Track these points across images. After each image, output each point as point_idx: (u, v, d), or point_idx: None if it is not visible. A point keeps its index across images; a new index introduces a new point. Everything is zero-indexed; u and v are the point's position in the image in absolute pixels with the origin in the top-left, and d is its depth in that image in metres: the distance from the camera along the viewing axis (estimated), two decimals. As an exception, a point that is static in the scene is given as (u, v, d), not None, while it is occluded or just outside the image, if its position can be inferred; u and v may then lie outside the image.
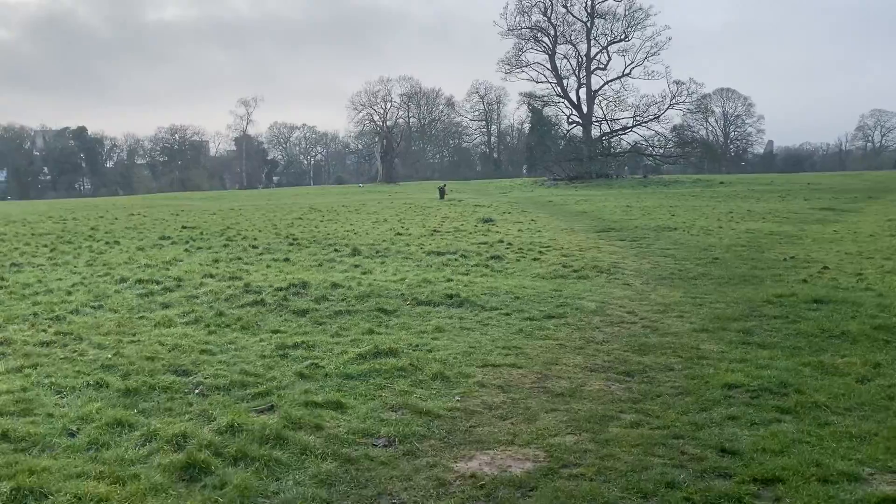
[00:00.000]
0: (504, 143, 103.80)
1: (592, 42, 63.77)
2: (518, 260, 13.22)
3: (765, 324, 7.69)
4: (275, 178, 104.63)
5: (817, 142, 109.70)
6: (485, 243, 15.68)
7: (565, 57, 64.72)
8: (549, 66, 64.52)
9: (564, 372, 6.13)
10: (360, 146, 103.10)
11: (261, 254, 14.50)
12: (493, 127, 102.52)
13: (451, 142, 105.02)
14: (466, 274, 11.55)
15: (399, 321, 8.07)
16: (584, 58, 63.91)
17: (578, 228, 19.96)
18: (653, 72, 61.54)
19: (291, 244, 16.17)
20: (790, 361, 6.25)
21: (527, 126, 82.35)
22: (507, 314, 8.35)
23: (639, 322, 7.98)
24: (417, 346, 6.92)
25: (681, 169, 77.83)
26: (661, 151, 66.53)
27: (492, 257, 13.41)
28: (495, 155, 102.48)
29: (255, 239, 17.38)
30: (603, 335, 7.41)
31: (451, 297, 9.16)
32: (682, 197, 34.69)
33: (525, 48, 64.91)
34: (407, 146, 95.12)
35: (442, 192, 39.32)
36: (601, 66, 63.89)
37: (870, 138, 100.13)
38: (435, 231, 18.94)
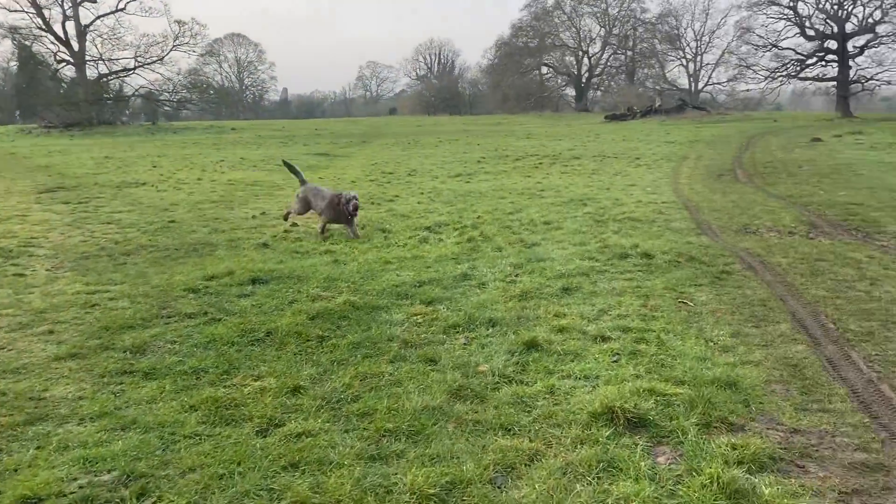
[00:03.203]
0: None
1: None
2: None
3: (171, 330, 5.29)
4: None
5: (326, 90, 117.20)
6: None
7: (44, -18, 54.08)
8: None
9: None
10: None
11: None
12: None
13: None
14: None
15: None
16: (67, -16, 54.37)
17: (19, 189, 15.29)
18: (150, 8, 55.89)
19: None
20: (170, 405, 3.92)
21: (14, 65, 67.68)
22: None
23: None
24: None
25: (198, 115, 74.12)
26: (173, 97, 61.59)
27: None
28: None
29: None
30: None
31: None
32: (182, 145, 31.36)
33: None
34: None
35: None
36: (89, -5, 55.26)
37: (368, 87, 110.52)
38: None
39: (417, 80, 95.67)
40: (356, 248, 8.40)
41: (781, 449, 3.36)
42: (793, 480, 3.10)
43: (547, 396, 4.02)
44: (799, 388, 4.10)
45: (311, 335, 5.07)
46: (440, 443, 3.48)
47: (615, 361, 4.51)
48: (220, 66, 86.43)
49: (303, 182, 9.98)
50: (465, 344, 4.95)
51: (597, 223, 9.94)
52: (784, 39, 52.58)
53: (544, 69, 76.26)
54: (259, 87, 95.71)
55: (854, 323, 5.18)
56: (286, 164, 10.57)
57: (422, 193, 13.97)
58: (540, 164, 20.82)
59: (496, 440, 3.48)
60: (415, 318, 5.51)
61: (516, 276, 6.75)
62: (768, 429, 3.57)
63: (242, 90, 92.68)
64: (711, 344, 4.83)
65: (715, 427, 3.55)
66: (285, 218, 10.32)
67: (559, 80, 77.25)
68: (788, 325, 5.17)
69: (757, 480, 3.06)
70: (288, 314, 5.51)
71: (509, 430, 3.61)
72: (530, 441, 3.47)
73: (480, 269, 7.01)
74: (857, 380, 4.18)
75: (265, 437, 3.59)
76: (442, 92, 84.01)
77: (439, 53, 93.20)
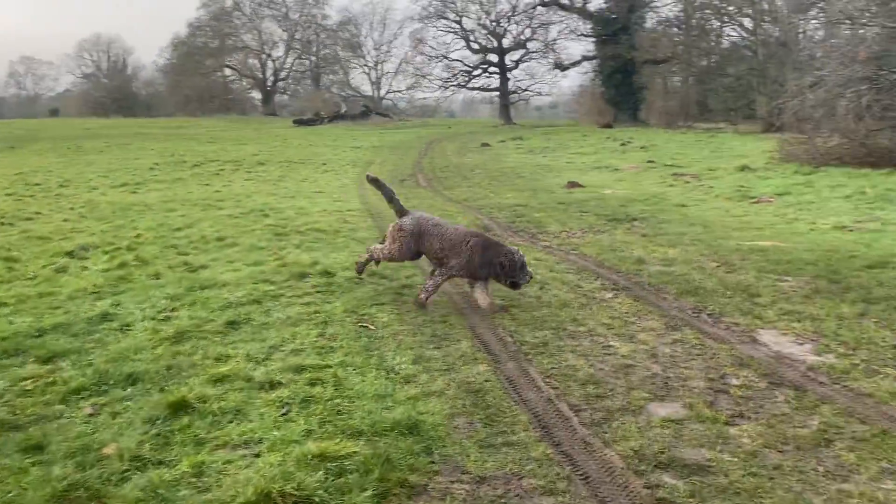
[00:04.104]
0: None
1: None
2: None
3: None
4: None
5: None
6: None
7: None
8: None
9: None
10: None
11: None
12: None
13: None
14: None
15: None
16: None
17: None
18: None
19: None
20: None
21: None
22: None
23: None
24: None
25: None
26: None
27: None
28: None
29: None
30: None
31: None
32: None
33: None
34: None
35: None
36: None
37: (23, 86, 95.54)
38: None
39: (84, 78, 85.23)
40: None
41: (467, 509, 2.92)
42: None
43: (192, 481, 3.12)
44: (483, 418, 3.76)
45: None
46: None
47: (284, 415, 3.77)
48: None
49: (402, 210, 6.28)
50: (91, 415, 3.80)
51: (277, 237, 9.14)
52: (453, 51, 57.05)
53: (228, 71, 73.11)
54: None
55: (529, 333, 5.11)
56: (374, 180, 6.51)
57: (72, 209, 11.85)
58: (221, 170, 19.39)
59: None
60: (23, 384, 4.17)
61: (172, 311, 5.65)
62: (453, 482, 3.12)
63: None
64: (393, 375, 4.34)
65: (394, 495, 2.98)
66: (360, 271, 6.66)
67: (244, 83, 74.71)
68: (469, 343, 4.92)
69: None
70: None
71: (132, 546, 2.66)
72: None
73: (127, 306, 5.76)
74: (538, 401, 3.99)
75: None
76: (113, 92, 75.87)
77: (108, 50, 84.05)
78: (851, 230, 9.30)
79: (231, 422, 3.70)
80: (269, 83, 72.28)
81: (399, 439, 3.45)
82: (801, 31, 34.59)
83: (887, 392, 3.94)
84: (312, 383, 4.18)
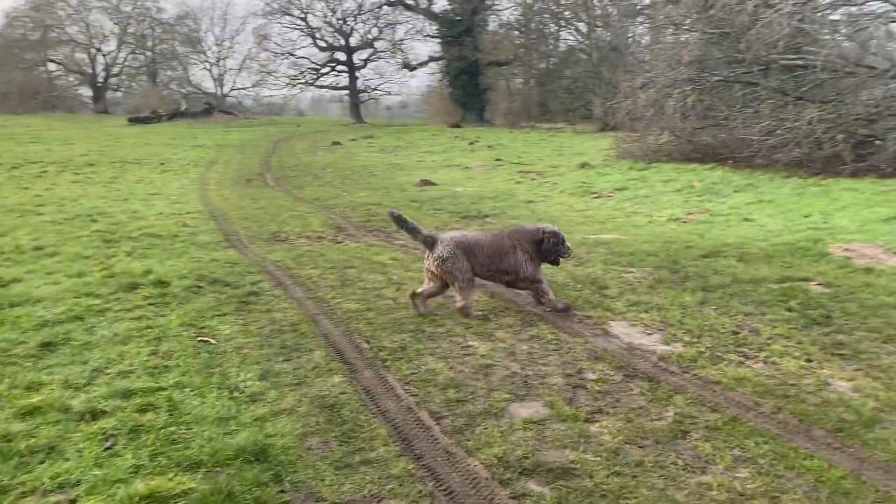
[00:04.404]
0: None
1: None
2: None
3: None
4: None
5: None
6: None
7: None
8: None
9: None
10: None
11: None
12: None
13: None
14: None
15: None
16: None
17: None
18: None
19: None
20: None
21: None
22: None
23: None
24: None
25: None
26: None
27: None
28: None
29: None
30: None
31: None
32: None
33: None
34: None
35: None
36: None
37: None
38: None
39: None
40: None
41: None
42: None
43: (-12, 543, 2.61)
44: (339, 435, 3.47)
45: None
46: None
47: (108, 450, 3.28)
48: None
49: (431, 239, 5.44)
50: None
51: (106, 244, 8.30)
52: (300, 49, 55.69)
53: (52, 66, 66.83)
54: None
55: (387, 338, 4.88)
56: (398, 218, 5.56)
57: None
58: (44, 172, 17.59)
59: None
60: None
61: (-28, 334, 4.88)
62: (306, 512, 2.82)
63: None
64: (237, 394, 3.94)
65: (237, 538, 2.64)
66: (417, 302, 5.51)
67: (71, 79, 68.63)
68: (323, 353, 4.60)
69: None
70: None
71: None
72: None
73: (-87, 332, 4.91)
74: (397, 411, 3.76)
75: None
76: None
77: None
78: (685, 222, 9.89)
79: (42, 462, 3.17)
80: (101, 79, 66.92)
81: (244, 468, 3.09)
82: (630, 35, 36.93)
83: (732, 378, 4.09)
84: (143, 410, 3.69)
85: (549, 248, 5.52)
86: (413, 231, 5.51)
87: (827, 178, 12.80)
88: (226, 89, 66.62)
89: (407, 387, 4.08)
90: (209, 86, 66.98)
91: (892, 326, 4.97)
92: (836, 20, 15.47)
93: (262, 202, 12.46)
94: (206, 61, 66.98)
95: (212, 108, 52.38)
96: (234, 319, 5.30)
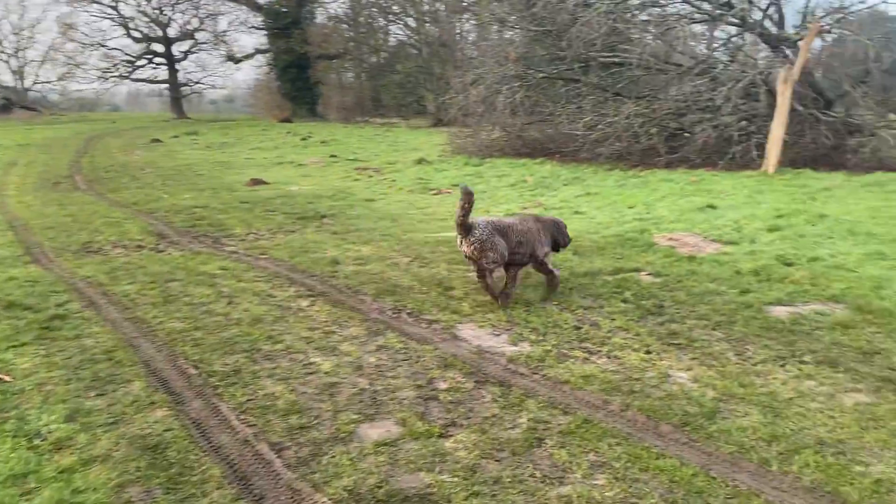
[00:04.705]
0: None
1: None
2: None
3: None
4: None
5: None
6: None
7: None
8: None
9: None
10: None
11: None
12: None
13: None
14: None
15: None
16: None
17: None
18: None
19: None
20: None
21: None
22: None
23: None
24: None
25: None
26: None
27: None
28: None
29: None
30: None
31: None
32: None
33: None
34: None
35: None
36: None
37: None
38: None
39: None
40: None
41: None
42: None
43: None
44: (164, 482, 3.03)
45: None
46: None
47: None
48: None
49: (469, 227, 5.44)
50: None
51: None
52: (111, 39, 51.34)
53: None
54: None
55: (218, 361, 4.42)
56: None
57: None
58: None
59: None
60: None
61: None
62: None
63: None
64: (38, 442, 3.35)
65: None
66: (488, 286, 5.53)
67: None
68: (143, 383, 4.06)
69: None
70: None
71: None
72: None
73: None
74: (232, 445, 3.36)
75: None
76: None
77: None
78: (521, 216, 10.09)
79: None
80: None
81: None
82: (458, 31, 37.65)
83: (580, 377, 4.09)
84: (-89, 476, 3.03)
85: (560, 234, 5.98)
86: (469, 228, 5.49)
87: (645, 169, 13.69)
88: (27, 83, 60.13)
89: (243, 416, 3.68)
90: (7, 79, 59.98)
91: (717, 313, 5.26)
92: (646, 20, 16.59)
93: (72, 208, 11.19)
94: (3, 52, 60.05)
95: (11, 103, 47.05)
96: (34, 350, 4.57)
